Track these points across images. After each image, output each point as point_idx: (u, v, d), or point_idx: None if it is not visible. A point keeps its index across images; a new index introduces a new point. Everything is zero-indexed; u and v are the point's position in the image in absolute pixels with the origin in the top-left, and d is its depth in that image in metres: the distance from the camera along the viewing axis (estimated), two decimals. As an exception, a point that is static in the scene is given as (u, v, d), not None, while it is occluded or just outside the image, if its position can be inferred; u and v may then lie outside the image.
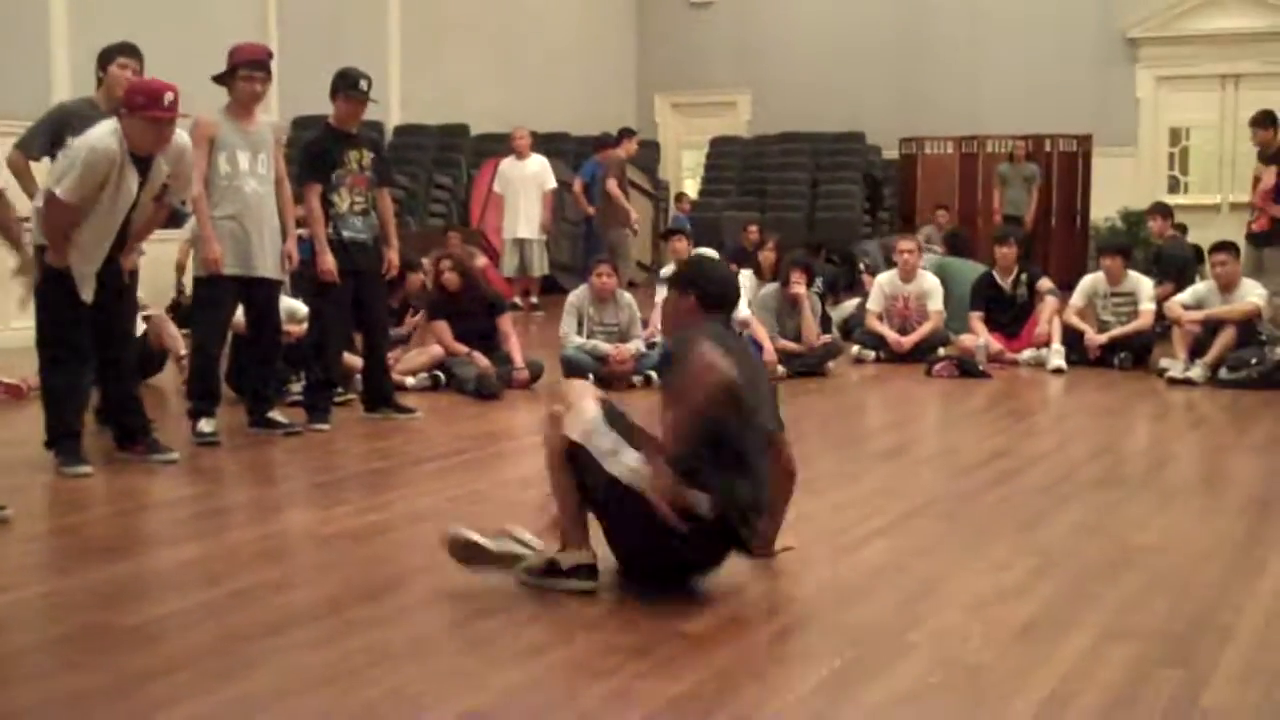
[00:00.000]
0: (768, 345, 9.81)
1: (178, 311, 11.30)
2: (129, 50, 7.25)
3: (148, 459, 6.75)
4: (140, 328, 8.29)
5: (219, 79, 7.39)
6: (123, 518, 5.99)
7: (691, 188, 21.40)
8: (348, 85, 7.83)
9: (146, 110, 6.32)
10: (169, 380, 9.33)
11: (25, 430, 7.22)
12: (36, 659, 4.05)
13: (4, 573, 4.98)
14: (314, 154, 7.87)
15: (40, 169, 7.13)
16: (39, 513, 6.03)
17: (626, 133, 15.58)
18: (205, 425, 7.29)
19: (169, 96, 6.35)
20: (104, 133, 6.34)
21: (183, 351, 8.86)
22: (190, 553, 5.30)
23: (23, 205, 6.82)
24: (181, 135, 6.66)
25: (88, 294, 6.52)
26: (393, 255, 8.15)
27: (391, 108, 16.89)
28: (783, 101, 20.54)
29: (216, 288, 7.32)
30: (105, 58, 7.22)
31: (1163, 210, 13.58)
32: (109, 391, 6.88)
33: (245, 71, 7.32)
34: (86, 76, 7.53)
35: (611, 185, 14.67)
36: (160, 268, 11.81)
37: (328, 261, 7.69)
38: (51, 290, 6.52)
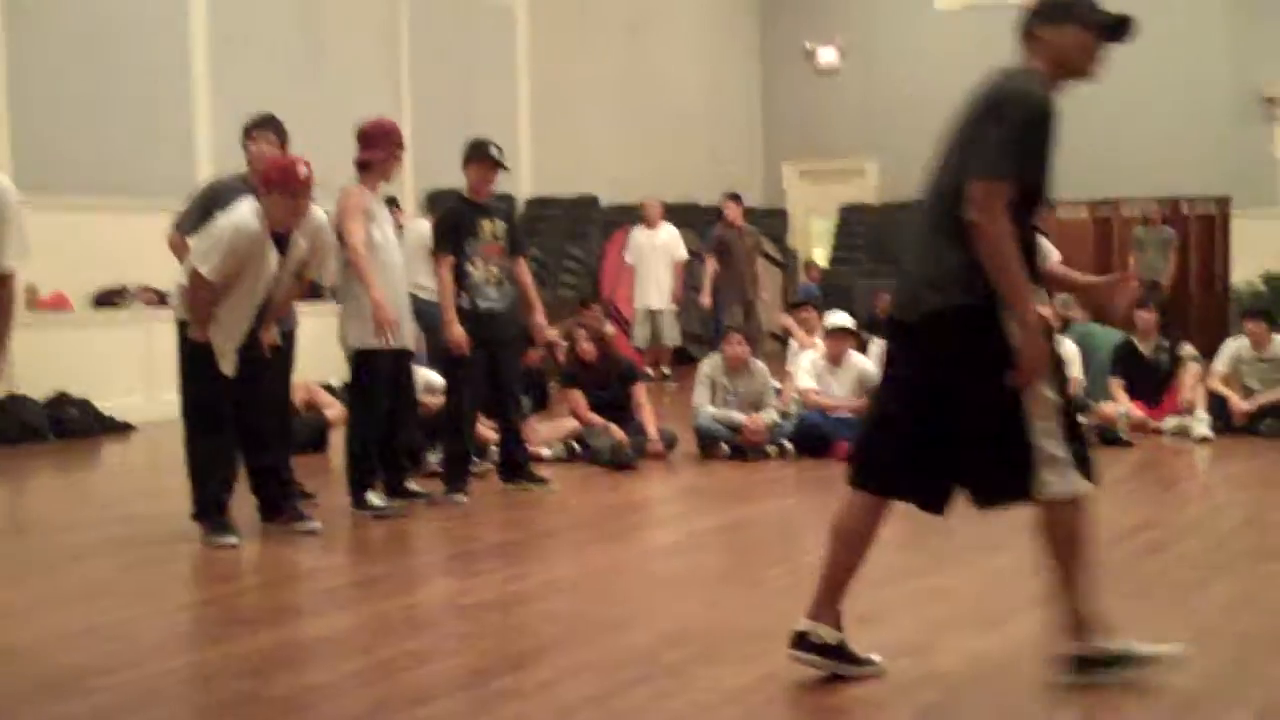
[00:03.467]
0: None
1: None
2: (266, 123, 7.41)
3: (290, 528, 6.84)
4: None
5: (362, 162, 7.48)
6: (269, 588, 6.08)
7: (820, 255, 21.34)
8: (479, 153, 7.94)
9: (282, 187, 6.50)
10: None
11: (173, 504, 7.37)
12: (189, 728, 4.12)
13: (154, 643, 5.07)
14: (448, 225, 7.96)
15: None
16: (187, 583, 6.15)
17: (731, 197, 15.21)
18: (375, 498, 7.37)
19: (303, 171, 6.52)
20: (247, 212, 6.51)
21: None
22: (335, 623, 5.35)
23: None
24: (317, 211, 6.81)
25: (229, 368, 6.67)
26: (539, 318, 8.25)
27: (522, 179, 17.10)
28: (912, 167, 20.21)
29: (374, 361, 7.39)
30: (246, 133, 7.40)
31: (1308, 272, 13.24)
32: (250, 462, 6.98)
33: (398, 150, 7.51)
34: (227, 153, 7.71)
35: (709, 265, 14.52)
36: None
37: (457, 332, 7.74)
38: (195, 364, 6.67)
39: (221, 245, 6.48)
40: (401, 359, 7.53)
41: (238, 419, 6.78)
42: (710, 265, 14.41)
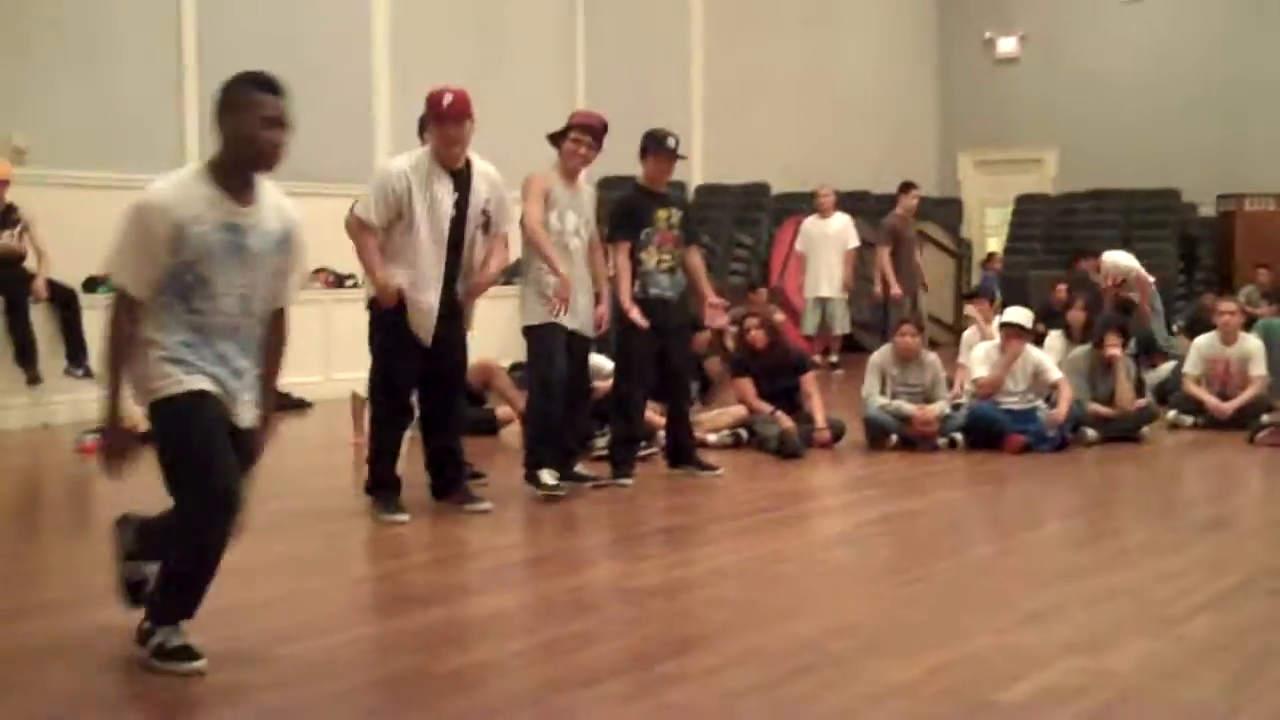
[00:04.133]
0: (1062, 407, 9.39)
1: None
2: None
3: (462, 508, 6.96)
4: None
5: (553, 137, 7.61)
6: (439, 565, 6.19)
7: (995, 245, 21.00)
8: (657, 144, 7.98)
9: (433, 114, 6.67)
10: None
11: (346, 479, 7.55)
12: (361, 699, 4.21)
13: (329, 616, 5.20)
14: (625, 212, 8.03)
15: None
16: (361, 558, 6.30)
17: (905, 187, 15.03)
18: (548, 477, 7.42)
19: (448, 98, 6.67)
20: (397, 158, 6.79)
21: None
22: (502, 602, 5.43)
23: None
24: (492, 169, 6.91)
25: (426, 335, 6.73)
26: (712, 299, 8.28)
27: (694, 167, 17.13)
28: (1091, 157, 20.00)
29: (550, 335, 7.45)
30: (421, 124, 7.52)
31: None
32: (428, 440, 7.09)
33: (575, 134, 7.54)
34: (406, 143, 7.84)
35: (881, 254, 14.28)
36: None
37: (635, 312, 7.80)
38: (385, 338, 6.80)
39: (371, 186, 6.70)
40: (577, 342, 7.59)
41: (421, 396, 6.92)
42: (882, 254, 14.23)
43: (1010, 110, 21.16)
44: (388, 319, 6.76)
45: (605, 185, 15.01)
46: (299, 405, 11.30)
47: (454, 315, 6.86)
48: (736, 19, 18.20)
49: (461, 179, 6.75)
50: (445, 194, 6.71)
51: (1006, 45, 21.38)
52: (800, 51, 19.32)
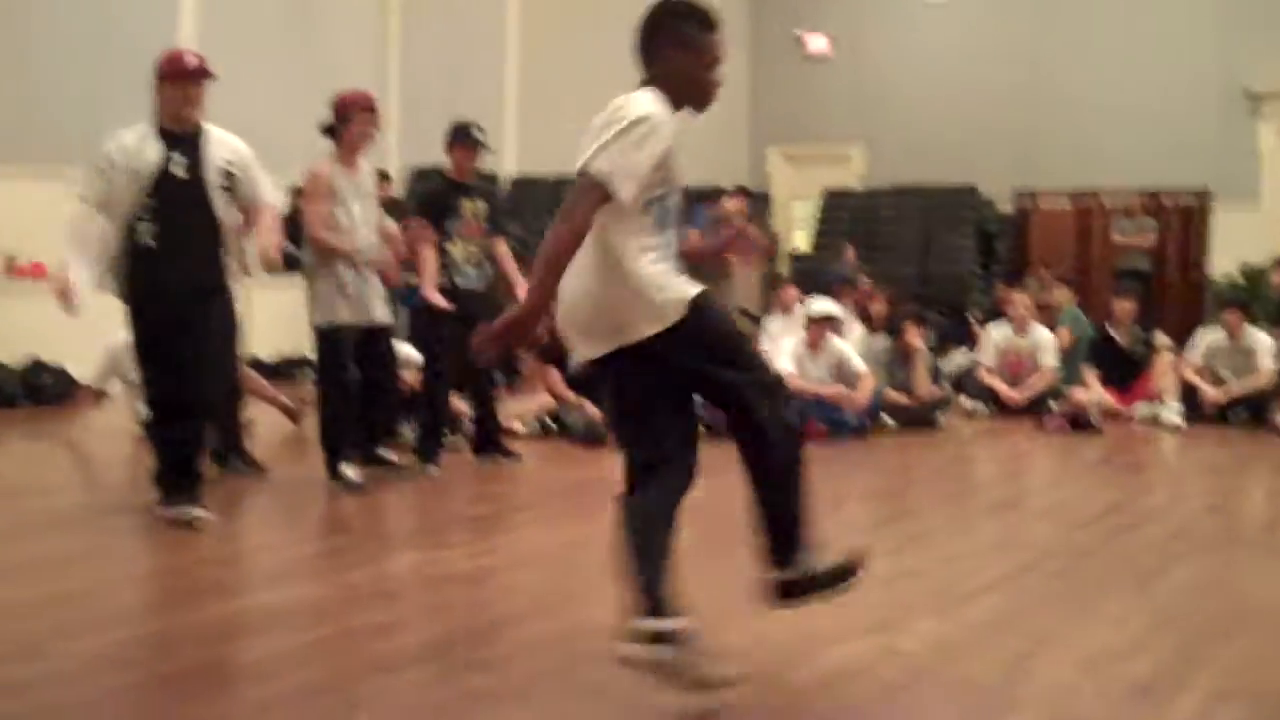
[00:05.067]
0: (862, 394, 9.63)
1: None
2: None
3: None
4: None
5: (329, 129, 7.51)
6: (237, 558, 6.10)
7: (802, 239, 21.37)
8: (462, 135, 8.00)
9: (175, 72, 6.31)
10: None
11: (141, 470, 7.36)
12: (151, 693, 4.12)
13: (120, 610, 5.09)
14: (430, 203, 8.02)
15: None
16: (151, 552, 6.14)
17: (737, 191, 15.39)
18: (349, 471, 7.36)
19: (191, 56, 6.41)
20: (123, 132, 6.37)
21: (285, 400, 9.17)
22: (302, 593, 5.37)
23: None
24: (236, 140, 6.55)
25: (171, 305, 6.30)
26: (521, 292, 8.29)
27: (507, 159, 17.10)
28: (897, 154, 20.47)
29: (337, 338, 7.42)
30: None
31: (1285, 265, 13.32)
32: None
33: (363, 116, 7.46)
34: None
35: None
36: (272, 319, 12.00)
37: (437, 297, 7.80)
38: (134, 309, 6.41)
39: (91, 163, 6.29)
40: (374, 335, 7.53)
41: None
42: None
43: (819, 106, 21.52)
44: (138, 306, 6.37)
45: (417, 176, 14.96)
46: (97, 395, 11.00)
47: (213, 293, 6.46)
48: (553, 11, 18.20)
49: (191, 142, 6.36)
50: (153, 153, 6.27)
51: (816, 44, 21.74)
52: (616, 45, 19.28)
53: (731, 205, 14.97)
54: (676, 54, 4.13)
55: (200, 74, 6.36)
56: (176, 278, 6.29)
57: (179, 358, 6.31)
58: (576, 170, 3.91)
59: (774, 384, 4.19)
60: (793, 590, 4.26)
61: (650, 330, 3.95)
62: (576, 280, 3.99)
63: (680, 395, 4.22)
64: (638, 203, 3.95)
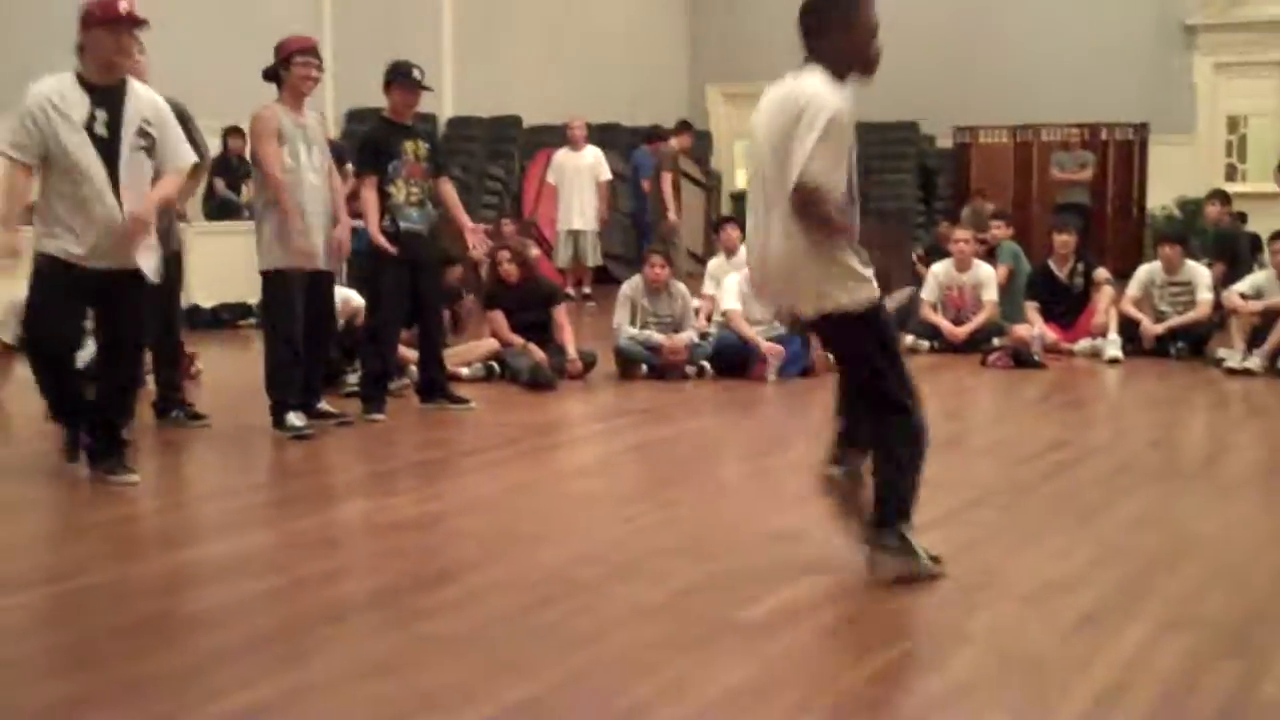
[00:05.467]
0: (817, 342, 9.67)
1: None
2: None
3: (107, 480, 6.17)
4: None
5: (269, 73, 7.42)
6: (182, 508, 6.07)
7: (743, 178, 21.35)
8: (401, 75, 7.89)
9: (108, 18, 5.89)
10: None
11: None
12: (97, 647, 4.09)
13: (67, 561, 5.05)
14: (371, 145, 7.93)
15: None
16: (92, 503, 6.03)
17: (682, 126, 15.56)
18: (295, 419, 7.27)
19: (124, 4, 5.91)
20: (45, 80, 5.96)
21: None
22: (250, 542, 5.35)
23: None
24: (156, 96, 6.20)
25: (80, 248, 5.90)
26: (470, 226, 8.25)
27: (444, 100, 16.94)
28: (836, 91, 20.44)
29: (286, 282, 7.33)
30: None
31: (1221, 197, 13.43)
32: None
33: (301, 59, 7.34)
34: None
35: (665, 181, 14.60)
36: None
37: (383, 241, 7.72)
38: (37, 285, 6.06)
39: (17, 114, 5.85)
40: (319, 280, 7.47)
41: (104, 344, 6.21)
42: (665, 180, 14.60)
43: (758, 43, 21.40)
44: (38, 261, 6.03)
45: (352, 118, 14.81)
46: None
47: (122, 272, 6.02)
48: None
49: (109, 94, 5.96)
50: (80, 112, 5.88)
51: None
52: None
53: (677, 144, 15.03)
54: (842, 35, 4.72)
55: (133, 20, 5.97)
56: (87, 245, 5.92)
57: (72, 336, 6.10)
58: (793, 184, 4.45)
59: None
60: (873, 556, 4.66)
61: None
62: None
63: None
64: None
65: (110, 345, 6.15)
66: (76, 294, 6.00)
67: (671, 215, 14.44)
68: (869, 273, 4.56)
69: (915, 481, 4.69)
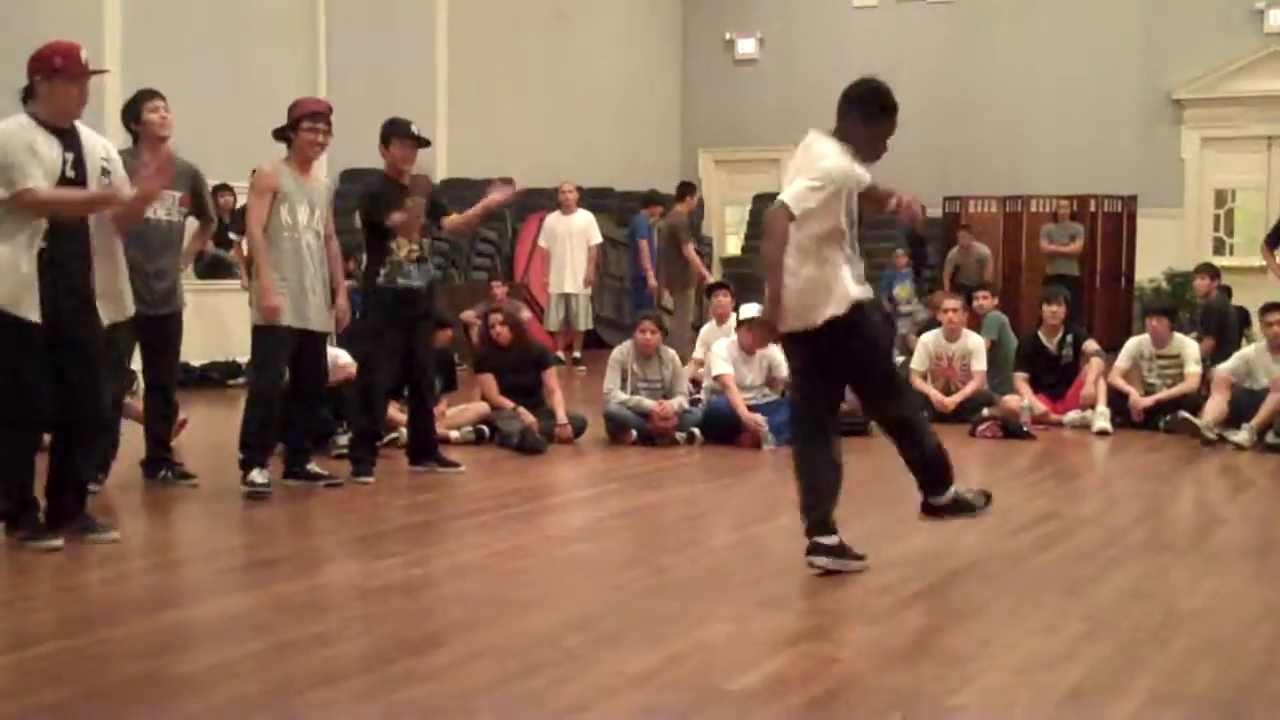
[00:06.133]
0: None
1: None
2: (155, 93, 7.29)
3: (83, 538, 6.16)
4: None
5: (279, 133, 7.48)
6: (167, 569, 6.03)
7: (734, 244, 21.45)
8: (399, 131, 7.92)
9: (67, 68, 5.96)
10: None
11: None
12: (83, 708, 4.06)
13: (49, 623, 5.02)
14: (377, 203, 7.88)
15: None
16: (76, 564, 5.98)
17: (687, 188, 15.60)
18: (258, 476, 7.30)
19: (83, 51, 6.04)
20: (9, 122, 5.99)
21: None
22: (237, 604, 5.32)
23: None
24: (102, 138, 6.33)
25: (35, 314, 5.86)
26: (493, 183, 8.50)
27: (438, 160, 17.04)
28: (827, 159, 20.56)
29: (274, 339, 7.35)
30: (136, 102, 7.28)
31: (1210, 270, 13.51)
32: (51, 461, 6.23)
33: (308, 124, 7.41)
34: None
35: (689, 250, 14.71)
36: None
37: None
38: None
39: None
40: (310, 339, 7.47)
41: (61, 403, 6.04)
42: (689, 248, 14.74)
43: (749, 109, 21.60)
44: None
45: (346, 178, 14.86)
46: None
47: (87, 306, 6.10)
48: (481, 12, 18.16)
49: (70, 137, 6.03)
50: (52, 152, 5.92)
51: (746, 46, 21.83)
52: (544, 48, 19.39)
53: (683, 208, 15.13)
54: (859, 125, 5.75)
55: (91, 69, 6.08)
56: (66, 286, 5.96)
57: (52, 372, 5.94)
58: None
59: None
60: (940, 511, 5.97)
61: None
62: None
63: None
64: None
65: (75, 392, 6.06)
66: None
67: (708, 277, 14.60)
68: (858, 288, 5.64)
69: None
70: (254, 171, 7.45)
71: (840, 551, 5.70)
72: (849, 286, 5.61)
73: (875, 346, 5.89)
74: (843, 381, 5.97)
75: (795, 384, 6.19)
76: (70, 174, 5.97)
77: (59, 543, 5.99)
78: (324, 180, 7.64)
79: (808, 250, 5.57)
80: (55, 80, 5.96)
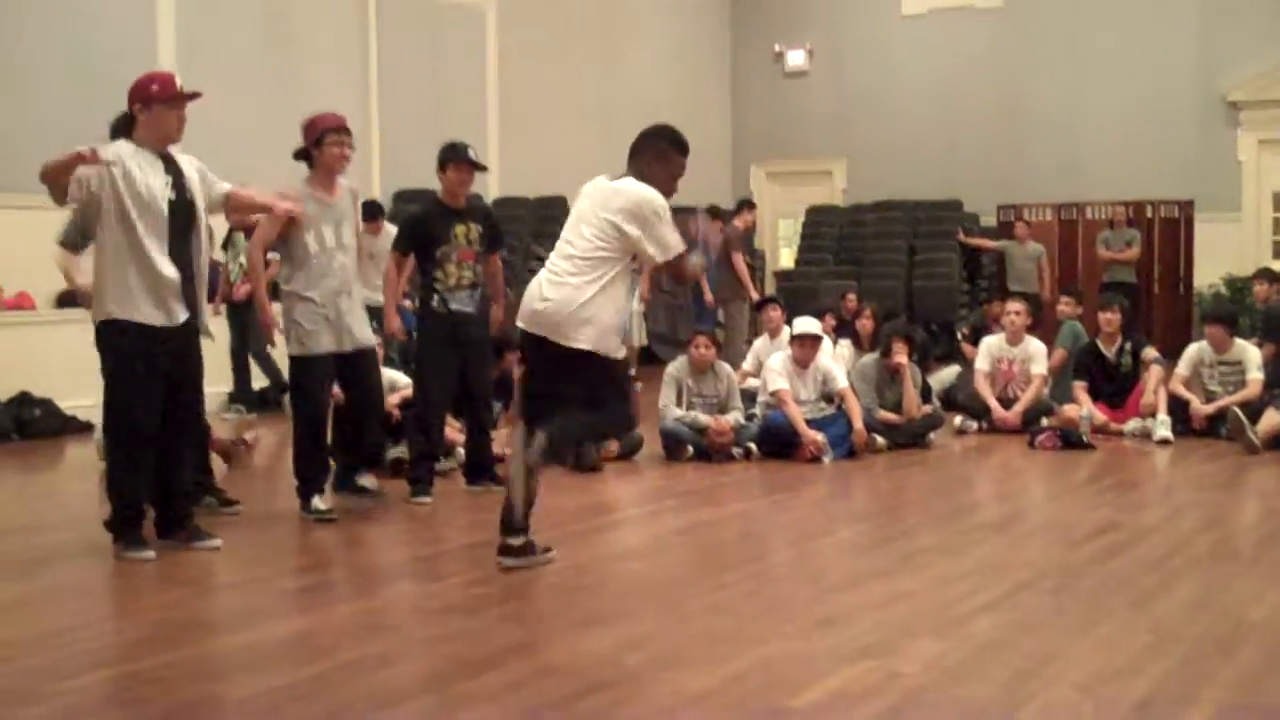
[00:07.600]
0: (858, 423, 9.65)
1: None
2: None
3: (189, 546, 6.60)
4: None
5: (301, 153, 7.47)
6: (231, 591, 6.06)
7: (788, 257, 21.40)
8: (456, 155, 7.93)
9: (165, 96, 6.35)
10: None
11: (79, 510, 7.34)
12: (149, 733, 4.10)
13: (116, 647, 5.05)
14: (412, 227, 7.98)
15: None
16: (142, 588, 6.08)
17: (745, 204, 15.57)
18: (320, 502, 7.35)
19: (178, 78, 6.49)
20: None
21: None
22: (298, 626, 5.35)
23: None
24: (191, 158, 6.62)
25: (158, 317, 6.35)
26: (498, 312, 8.26)
27: (490, 180, 17.12)
28: (879, 169, 20.52)
29: (313, 368, 7.38)
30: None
31: (1269, 275, 13.35)
32: (156, 474, 6.58)
33: (333, 137, 7.38)
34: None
35: (738, 260, 14.66)
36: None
37: (396, 323, 8.08)
38: (115, 365, 6.43)
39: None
40: (356, 360, 7.48)
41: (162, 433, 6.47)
42: (738, 260, 14.70)
43: (800, 122, 21.58)
44: (122, 343, 6.35)
45: (399, 199, 14.94)
46: (85, 429, 10.97)
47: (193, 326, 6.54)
48: (530, 32, 18.23)
49: (172, 164, 6.45)
50: (154, 178, 6.33)
51: (796, 59, 21.80)
52: (595, 65, 19.44)
53: (741, 224, 15.03)
54: (655, 163, 6.64)
55: (190, 95, 6.43)
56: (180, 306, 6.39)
57: (155, 392, 6.38)
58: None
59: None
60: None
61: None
62: None
63: None
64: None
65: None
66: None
67: (753, 294, 14.52)
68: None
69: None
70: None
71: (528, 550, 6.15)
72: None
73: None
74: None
75: None
76: (172, 195, 6.35)
77: (152, 554, 6.35)
78: (347, 188, 7.58)
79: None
80: (154, 107, 6.36)
